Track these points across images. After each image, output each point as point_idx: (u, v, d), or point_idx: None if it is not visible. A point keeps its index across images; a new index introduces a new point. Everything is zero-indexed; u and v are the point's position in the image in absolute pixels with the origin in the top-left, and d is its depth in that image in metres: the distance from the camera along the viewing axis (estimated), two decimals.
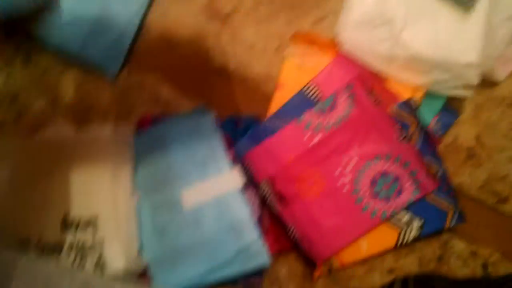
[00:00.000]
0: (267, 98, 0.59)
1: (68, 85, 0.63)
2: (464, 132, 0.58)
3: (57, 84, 0.63)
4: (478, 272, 0.55)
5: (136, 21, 0.62)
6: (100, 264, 0.51)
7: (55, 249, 0.53)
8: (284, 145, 0.54)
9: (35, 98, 0.63)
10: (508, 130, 0.57)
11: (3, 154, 0.56)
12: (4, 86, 0.63)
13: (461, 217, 0.53)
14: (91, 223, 0.53)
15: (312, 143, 0.54)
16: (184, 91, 0.62)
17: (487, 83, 0.58)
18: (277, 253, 0.56)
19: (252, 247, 0.52)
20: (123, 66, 0.63)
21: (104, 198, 0.53)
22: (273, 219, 0.56)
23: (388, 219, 0.53)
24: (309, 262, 0.55)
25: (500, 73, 0.57)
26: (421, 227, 0.52)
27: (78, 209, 0.54)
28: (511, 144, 0.57)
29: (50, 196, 0.55)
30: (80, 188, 0.54)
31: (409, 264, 0.55)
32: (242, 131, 0.57)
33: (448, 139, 0.58)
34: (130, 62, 0.63)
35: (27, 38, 0.63)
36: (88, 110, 0.62)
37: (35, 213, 0.54)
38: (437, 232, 0.55)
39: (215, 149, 0.56)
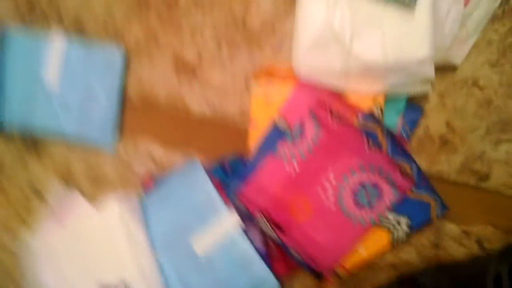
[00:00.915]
0: (247, 135, 0.64)
1: (78, 165, 0.71)
2: (433, 121, 0.60)
3: (69, 167, 0.71)
4: (475, 249, 0.58)
5: (116, 93, 0.69)
6: None
7: None
8: (269, 179, 0.59)
9: (52, 183, 0.71)
10: (476, 109, 0.59)
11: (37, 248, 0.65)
12: (27, 183, 0.72)
13: (444, 206, 0.56)
14: (123, 285, 0.61)
15: (293, 172, 0.58)
16: (174, 145, 0.68)
17: (446, 68, 0.59)
18: (289, 273, 0.62)
19: (263, 278, 0.58)
20: (117, 136, 0.70)
21: (126, 262, 0.61)
22: (278, 245, 0.62)
23: (377, 223, 0.57)
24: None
25: (458, 56, 0.58)
26: (409, 223, 0.56)
27: (108, 275, 0.62)
28: (481, 122, 0.58)
29: (82, 268, 0.63)
30: (104, 256, 0.62)
31: (409, 256, 0.60)
32: (230, 174, 0.63)
33: (419, 132, 0.61)
34: (122, 130, 0.70)
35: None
36: (98, 184, 0.70)
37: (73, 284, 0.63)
38: (427, 224, 0.58)
39: (210, 194, 0.61)
